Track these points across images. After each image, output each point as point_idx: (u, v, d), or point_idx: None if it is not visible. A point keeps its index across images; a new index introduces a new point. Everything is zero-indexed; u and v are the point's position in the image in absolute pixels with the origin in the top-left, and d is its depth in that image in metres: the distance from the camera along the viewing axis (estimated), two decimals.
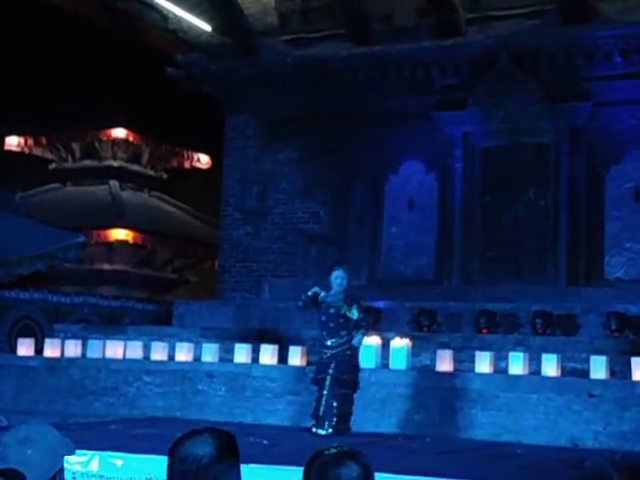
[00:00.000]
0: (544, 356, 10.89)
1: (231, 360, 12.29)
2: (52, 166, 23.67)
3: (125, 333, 14.11)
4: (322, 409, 10.01)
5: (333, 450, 2.84)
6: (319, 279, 15.76)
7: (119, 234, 21.22)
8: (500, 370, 11.02)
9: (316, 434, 9.93)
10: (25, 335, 14.82)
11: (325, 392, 10.05)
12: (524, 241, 14.76)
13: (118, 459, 7.73)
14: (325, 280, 10.53)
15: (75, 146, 23.19)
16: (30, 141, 23.40)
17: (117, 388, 12.52)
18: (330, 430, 9.89)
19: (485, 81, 14.74)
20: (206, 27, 16.68)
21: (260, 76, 16.41)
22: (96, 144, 22.93)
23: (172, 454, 2.83)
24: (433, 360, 11.38)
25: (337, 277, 10.39)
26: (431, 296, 14.29)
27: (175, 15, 16.01)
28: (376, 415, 10.45)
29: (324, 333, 10.25)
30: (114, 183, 22.73)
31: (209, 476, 2.75)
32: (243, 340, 12.78)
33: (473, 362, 11.08)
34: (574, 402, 10.15)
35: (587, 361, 10.74)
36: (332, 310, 10.26)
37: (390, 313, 14.07)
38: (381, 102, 15.67)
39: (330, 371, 10.08)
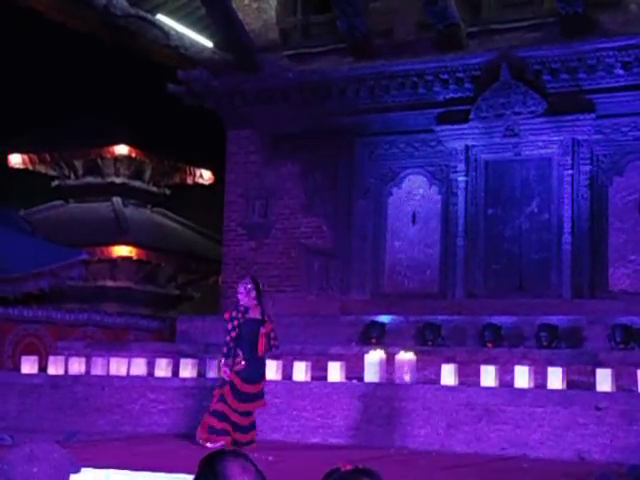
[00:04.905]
0: (549, 369, 10.85)
1: None
2: (55, 183, 23.66)
3: (129, 350, 14.07)
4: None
5: (348, 467, 2.84)
6: (322, 293, 15.88)
7: (122, 251, 21.17)
8: (505, 384, 10.98)
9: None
10: (29, 353, 14.80)
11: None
12: (528, 254, 14.74)
13: (123, 477, 7.71)
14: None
15: (78, 163, 23.17)
16: (33, 158, 23.39)
17: (121, 405, 12.48)
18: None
19: (487, 94, 14.77)
20: (208, 43, 16.72)
21: (262, 91, 16.45)
22: (99, 161, 22.91)
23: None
24: (438, 374, 11.34)
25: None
26: (435, 310, 14.25)
27: (177, 32, 16.04)
28: (381, 430, 10.39)
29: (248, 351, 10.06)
30: (117, 200, 22.72)
31: None
32: None
33: (478, 376, 11.04)
34: (580, 415, 10.11)
35: (593, 374, 10.70)
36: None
37: (394, 327, 14.04)
38: (383, 116, 15.70)
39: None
